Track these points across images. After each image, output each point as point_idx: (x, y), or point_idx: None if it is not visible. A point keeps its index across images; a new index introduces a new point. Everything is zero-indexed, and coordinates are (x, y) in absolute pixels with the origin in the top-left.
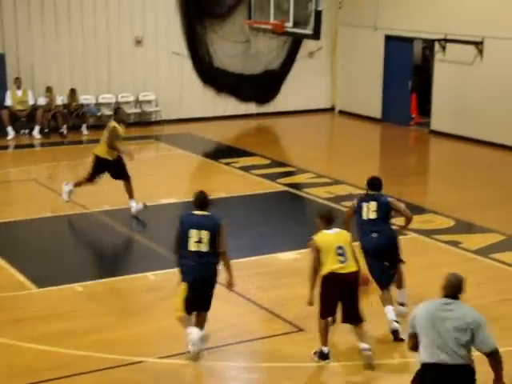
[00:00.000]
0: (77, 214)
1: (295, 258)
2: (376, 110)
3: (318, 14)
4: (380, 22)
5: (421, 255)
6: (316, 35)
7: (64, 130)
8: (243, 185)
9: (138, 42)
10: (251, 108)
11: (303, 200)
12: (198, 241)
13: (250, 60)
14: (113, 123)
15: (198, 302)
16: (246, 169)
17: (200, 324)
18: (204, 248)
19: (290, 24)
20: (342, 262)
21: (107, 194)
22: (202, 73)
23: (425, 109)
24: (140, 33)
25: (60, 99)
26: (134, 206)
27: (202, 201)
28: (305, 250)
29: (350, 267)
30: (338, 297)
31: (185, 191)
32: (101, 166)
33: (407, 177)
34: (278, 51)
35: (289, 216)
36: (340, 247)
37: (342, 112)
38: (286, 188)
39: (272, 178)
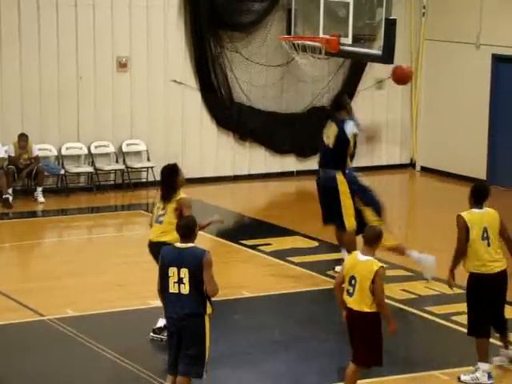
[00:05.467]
0: (26, 323)
1: None
2: (479, 168)
3: (391, 24)
4: (485, 36)
5: None
6: (388, 56)
7: (9, 195)
8: (277, 279)
9: (122, 66)
10: (290, 164)
11: None
12: (177, 281)
13: (288, 92)
14: None
15: (173, 361)
16: (281, 255)
17: None
18: (184, 290)
19: (348, 40)
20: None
21: (71, 292)
22: (216, 111)
23: None
24: (125, 52)
25: (3, 150)
26: None
27: (184, 229)
28: (370, 380)
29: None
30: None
31: None
32: None
33: None
34: (329, 79)
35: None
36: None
37: (425, 170)
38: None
39: (321, 268)
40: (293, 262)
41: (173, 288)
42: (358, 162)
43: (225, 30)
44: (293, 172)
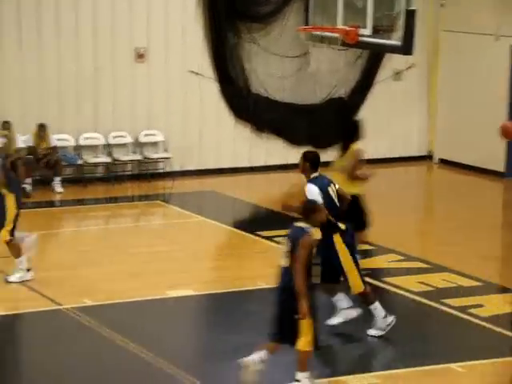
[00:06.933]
0: (42, 312)
1: None
2: (497, 160)
3: (411, 15)
4: (505, 27)
5: None
6: (407, 47)
7: (28, 185)
8: None
9: (140, 57)
10: None
11: (384, 294)
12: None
13: (305, 83)
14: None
15: (272, 329)
16: None
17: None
18: (285, 263)
19: (367, 31)
20: None
21: (88, 282)
22: (233, 102)
23: None
24: (142, 43)
25: (22, 140)
26: None
27: (302, 210)
28: (387, 372)
29: None
30: None
31: (206, 279)
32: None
33: None
34: (347, 70)
35: (362, 319)
36: None
37: (443, 162)
38: None
39: None
40: None
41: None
42: (374, 153)
43: (243, 20)
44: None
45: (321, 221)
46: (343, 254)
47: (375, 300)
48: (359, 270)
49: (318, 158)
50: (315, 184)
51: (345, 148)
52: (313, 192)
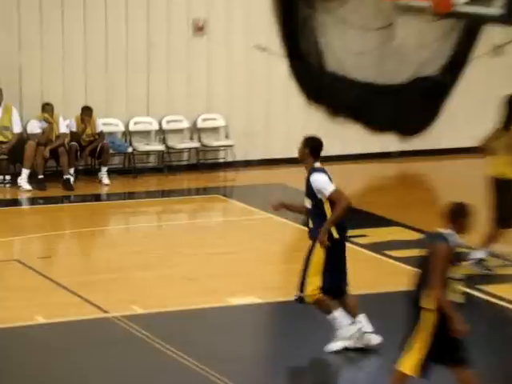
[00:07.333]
0: (87, 321)
1: None
2: None
3: None
4: None
5: None
6: (509, 17)
7: (71, 176)
8: (373, 275)
9: (199, 30)
10: (390, 143)
11: (482, 306)
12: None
13: (389, 60)
14: None
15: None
16: (378, 248)
17: None
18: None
19: None
20: None
21: (138, 286)
22: (305, 82)
23: None
24: (201, 14)
25: (65, 124)
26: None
27: (449, 212)
28: None
29: None
30: None
31: (273, 284)
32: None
33: None
34: (437, 45)
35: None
36: None
37: None
38: None
39: None
40: (391, 257)
41: None
42: (456, 142)
43: None
44: (393, 153)
45: (469, 227)
46: (316, 257)
47: (335, 309)
48: (329, 281)
49: (321, 145)
50: (325, 173)
51: (506, 127)
52: (324, 181)
